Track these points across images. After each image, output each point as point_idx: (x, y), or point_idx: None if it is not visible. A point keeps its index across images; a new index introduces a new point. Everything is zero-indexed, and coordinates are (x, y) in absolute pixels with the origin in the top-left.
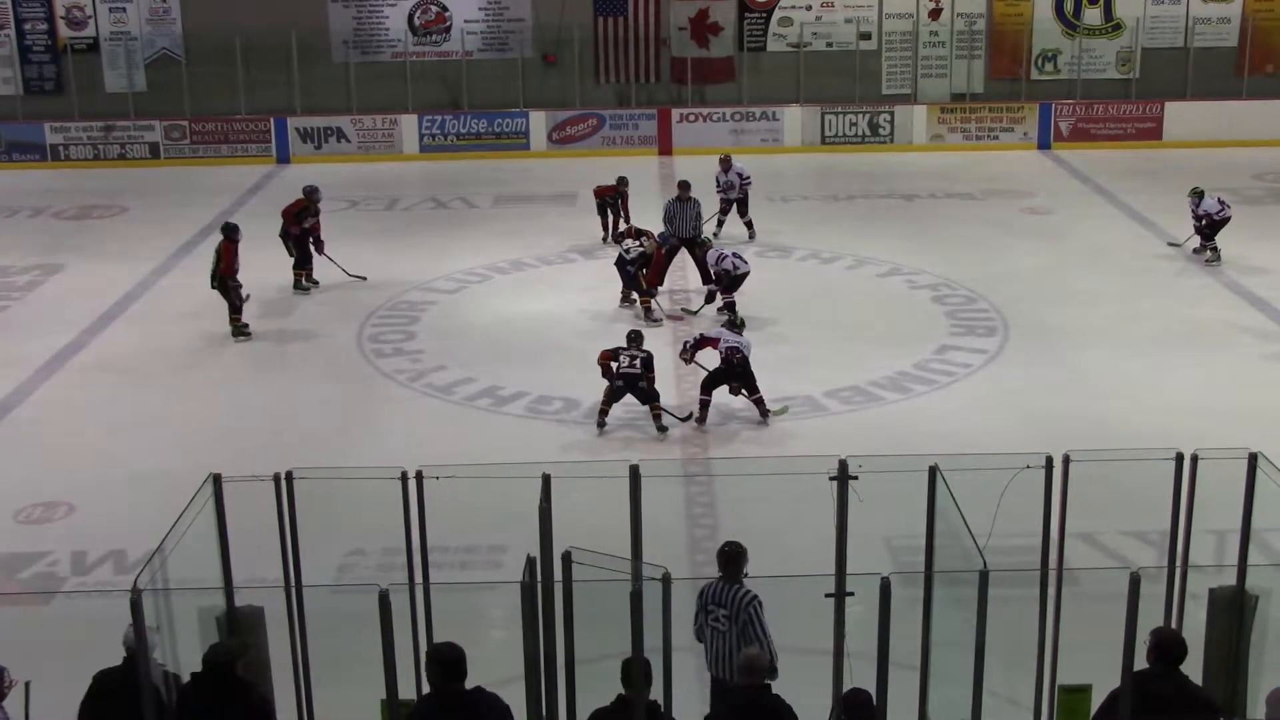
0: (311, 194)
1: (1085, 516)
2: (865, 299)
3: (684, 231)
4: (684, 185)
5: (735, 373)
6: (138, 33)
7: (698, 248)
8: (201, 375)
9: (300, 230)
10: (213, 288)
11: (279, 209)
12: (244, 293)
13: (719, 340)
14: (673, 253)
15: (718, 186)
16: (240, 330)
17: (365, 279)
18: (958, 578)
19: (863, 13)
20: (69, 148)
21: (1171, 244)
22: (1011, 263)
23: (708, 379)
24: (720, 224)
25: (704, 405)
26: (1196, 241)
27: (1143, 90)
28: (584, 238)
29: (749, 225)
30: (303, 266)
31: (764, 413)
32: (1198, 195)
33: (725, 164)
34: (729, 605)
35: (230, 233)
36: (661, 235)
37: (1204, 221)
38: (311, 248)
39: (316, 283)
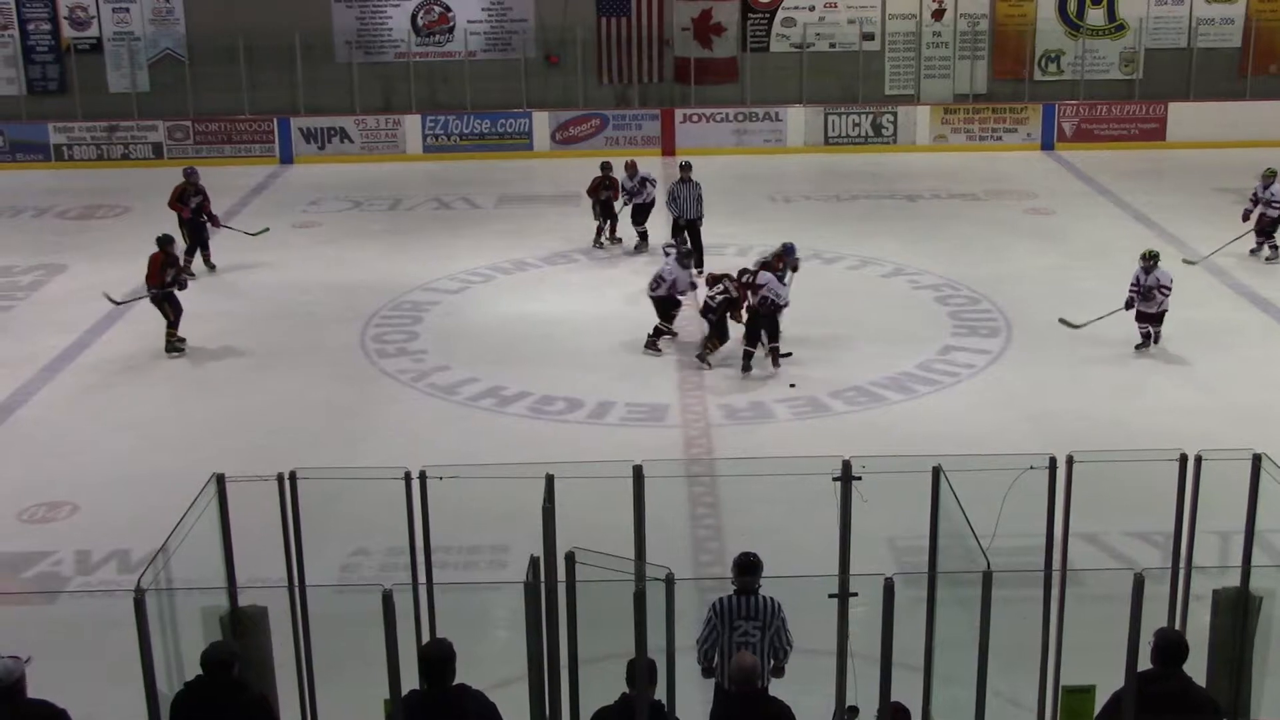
0: (189, 174)
1: (1089, 517)
2: (868, 299)
3: (688, 212)
4: (686, 166)
5: (763, 320)
6: (141, 33)
7: (699, 223)
8: (205, 375)
9: (190, 212)
10: (152, 301)
11: (283, 209)
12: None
13: (764, 286)
14: (677, 232)
15: (623, 189)
16: (175, 345)
17: (268, 229)
18: (961, 578)
19: (866, 13)
20: (72, 148)
21: (1187, 261)
22: (1015, 263)
23: (747, 332)
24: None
25: (748, 355)
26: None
27: (1146, 91)
28: (587, 238)
29: (643, 235)
30: (193, 252)
31: (776, 361)
32: (1270, 176)
33: (631, 169)
34: (760, 616)
35: (165, 244)
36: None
37: (1263, 207)
38: (209, 227)
39: (191, 275)
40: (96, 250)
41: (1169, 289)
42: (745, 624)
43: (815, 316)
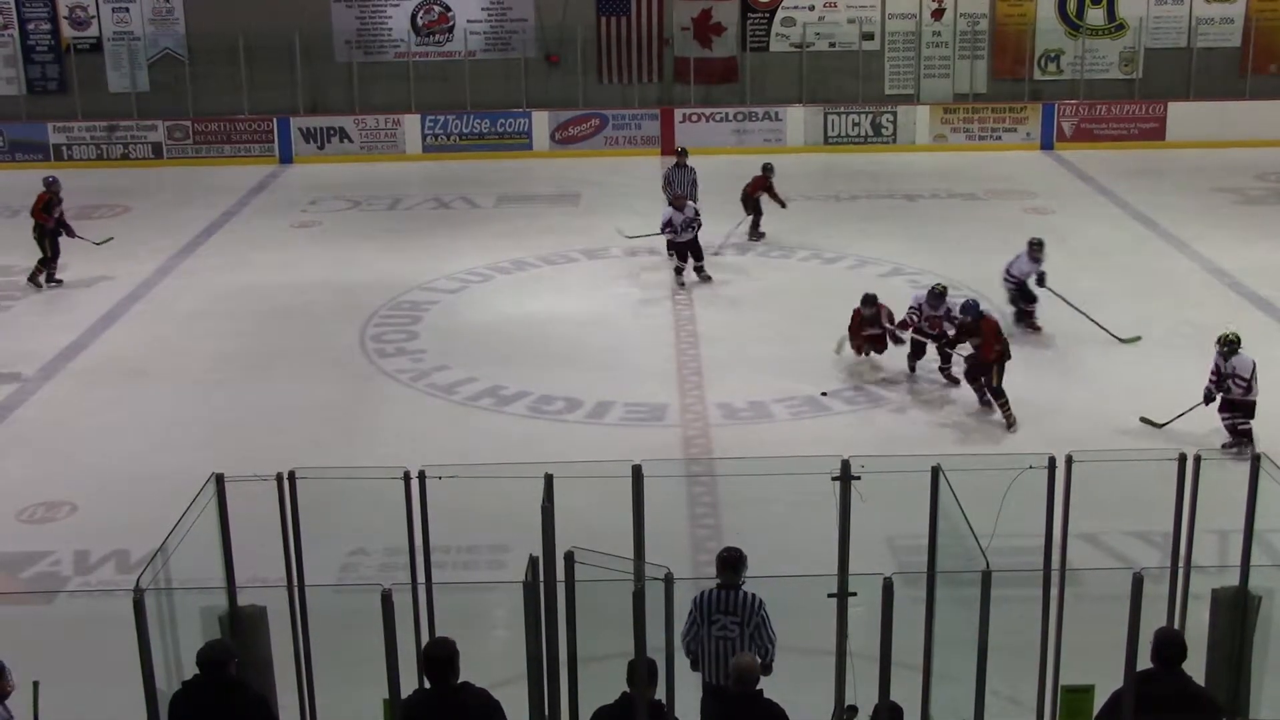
0: (51, 184)
1: (1088, 517)
2: None
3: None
4: (682, 152)
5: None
6: (141, 32)
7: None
8: (204, 375)
9: (55, 223)
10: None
11: (282, 209)
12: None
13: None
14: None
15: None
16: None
17: (112, 239)
18: (960, 578)
19: (865, 13)
20: (72, 147)
21: None
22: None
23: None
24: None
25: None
26: None
27: (1146, 90)
28: (586, 237)
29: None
30: (56, 259)
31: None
32: None
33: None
34: (739, 611)
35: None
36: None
37: None
38: (64, 235)
39: (60, 281)
40: (95, 250)
41: (1245, 381)
42: (724, 618)
43: (815, 316)
